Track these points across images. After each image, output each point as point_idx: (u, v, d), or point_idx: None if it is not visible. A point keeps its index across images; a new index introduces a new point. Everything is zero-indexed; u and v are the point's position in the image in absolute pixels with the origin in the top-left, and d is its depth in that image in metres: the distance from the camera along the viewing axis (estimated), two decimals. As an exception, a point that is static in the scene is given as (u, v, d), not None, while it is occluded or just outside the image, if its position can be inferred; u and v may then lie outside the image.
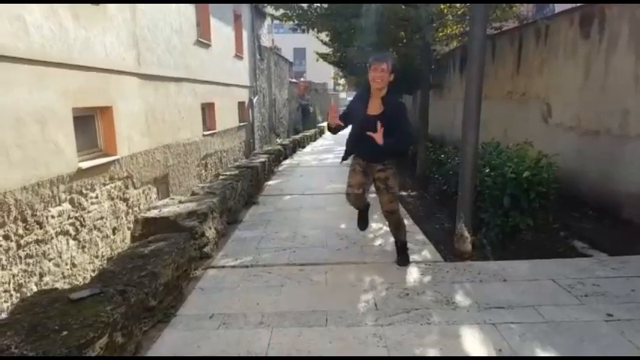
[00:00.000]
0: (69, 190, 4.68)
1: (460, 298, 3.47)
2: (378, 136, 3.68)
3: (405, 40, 8.25)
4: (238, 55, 12.65)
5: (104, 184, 5.37)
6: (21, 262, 3.97)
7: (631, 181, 4.94)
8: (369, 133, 3.71)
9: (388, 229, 5.34)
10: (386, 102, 3.89)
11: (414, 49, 8.41)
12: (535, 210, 4.47)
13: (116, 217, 5.63)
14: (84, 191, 4.94)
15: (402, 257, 4.29)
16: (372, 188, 4.24)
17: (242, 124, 12.93)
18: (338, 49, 12.34)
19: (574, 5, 6.28)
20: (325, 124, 29.00)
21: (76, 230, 4.79)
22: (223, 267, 4.38)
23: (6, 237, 3.79)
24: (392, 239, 4.96)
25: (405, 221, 5.67)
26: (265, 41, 17.47)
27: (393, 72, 3.89)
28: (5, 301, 3.77)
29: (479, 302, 3.39)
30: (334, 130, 4.13)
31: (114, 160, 5.60)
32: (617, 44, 5.17)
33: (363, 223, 4.58)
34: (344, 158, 4.30)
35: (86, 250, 4.95)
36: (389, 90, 3.94)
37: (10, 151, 3.87)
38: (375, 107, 3.92)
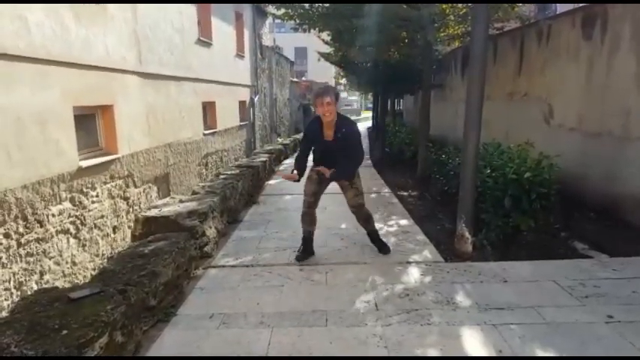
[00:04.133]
0: (69, 188, 4.68)
1: (460, 299, 3.47)
2: (327, 172, 4.19)
3: (406, 40, 8.26)
4: (240, 55, 12.64)
5: (105, 183, 5.36)
6: (21, 261, 3.97)
7: (632, 182, 4.93)
8: (319, 169, 4.29)
9: (388, 229, 5.38)
10: (338, 130, 4.19)
11: (416, 49, 8.42)
12: (536, 211, 4.47)
13: (117, 215, 5.63)
14: (84, 190, 4.94)
15: (383, 245, 4.61)
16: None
17: (243, 123, 12.92)
18: (340, 49, 12.36)
19: (576, 6, 6.28)
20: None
21: (77, 229, 4.78)
22: (224, 266, 4.38)
23: (6, 235, 3.79)
24: (393, 239, 4.98)
25: (405, 221, 5.72)
26: (267, 40, 17.45)
27: (338, 99, 4.19)
28: (5, 300, 3.77)
29: (479, 303, 3.38)
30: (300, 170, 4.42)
31: (115, 159, 5.60)
32: (619, 45, 5.17)
33: (305, 252, 4.55)
34: (300, 172, 4.40)
35: (86, 248, 4.95)
36: (340, 116, 4.24)
37: (11, 149, 3.86)
38: (329, 134, 4.25)
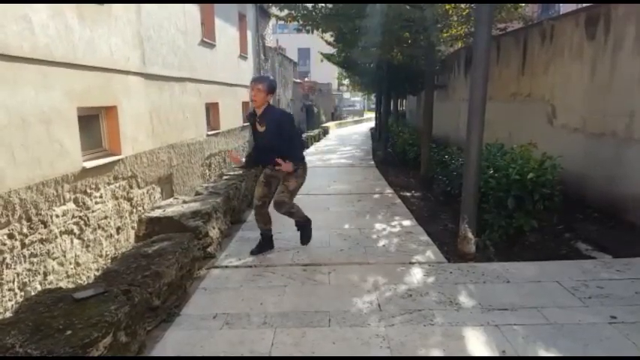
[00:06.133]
0: (73, 189, 4.70)
1: (463, 299, 3.47)
2: (286, 167, 4.24)
3: (409, 41, 8.24)
4: (243, 56, 12.67)
5: (108, 184, 5.38)
6: (25, 261, 3.99)
7: (636, 183, 4.92)
8: (278, 162, 4.23)
9: (391, 230, 5.40)
10: (265, 119, 4.29)
11: (419, 49, 8.41)
12: (539, 211, 4.46)
13: (120, 216, 5.65)
14: (88, 191, 4.96)
15: (303, 235, 4.75)
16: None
17: (246, 124, 12.93)
18: (342, 50, 12.38)
19: (580, 6, 6.27)
20: (329, 124, 29.06)
21: (81, 229, 4.80)
22: (227, 267, 4.38)
23: (10, 236, 3.81)
24: (396, 240, 4.99)
25: (408, 222, 5.72)
26: (270, 41, 17.47)
27: (271, 92, 4.31)
28: (9, 300, 3.79)
29: (482, 303, 3.38)
30: (248, 162, 4.73)
31: (118, 160, 5.62)
32: (623, 46, 5.15)
33: (260, 247, 4.75)
34: (247, 164, 4.79)
35: (90, 249, 4.97)
36: (269, 107, 4.35)
37: (15, 150, 3.88)
38: (260, 124, 4.35)
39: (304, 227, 4.75)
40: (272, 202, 4.54)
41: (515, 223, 4.48)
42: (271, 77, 4.62)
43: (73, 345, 2.23)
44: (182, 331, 3.16)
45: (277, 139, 4.27)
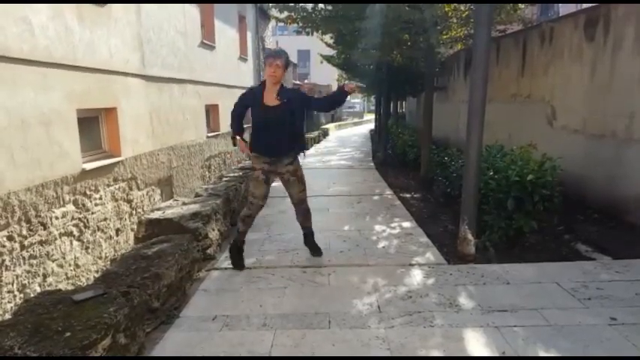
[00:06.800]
0: (73, 191, 4.70)
1: (463, 301, 3.46)
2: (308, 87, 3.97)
3: (409, 43, 8.26)
4: (242, 57, 12.68)
5: (108, 186, 5.38)
6: (24, 263, 3.98)
7: (636, 183, 4.92)
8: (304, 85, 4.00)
9: (391, 231, 5.37)
10: (282, 95, 4.03)
11: (418, 51, 8.42)
12: (539, 213, 4.45)
13: (120, 218, 5.65)
14: (88, 192, 4.96)
15: (316, 248, 4.55)
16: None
17: (246, 125, 12.95)
18: (342, 52, 12.40)
19: (579, 7, 6.27)
20: (328, 126, 29.02)
21: (80, 231, 4.80)
22: (226, 269, 4.37)
23: (10, 238, 3.80)
24: (395, 241, 4.97)
25: (408, 224, 5.71)
26: (269, 43, 17.49)
27: (287, 68, 4.12)
28: (9, 302, 3.78)
29: (482, 305, 3.37)
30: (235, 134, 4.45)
31: (118, 162, 5.62)
32: (622, 46, 5.16)
33: (239, 258, 4.35)
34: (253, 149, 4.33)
35: (90, 251, 4.97)
36: (282, 85, 4.13)
37: (15, 152, 3.88)
38: (271, 99, 4.04)
39: (311, 238, 4.59)
40: (296, 201, 4.43)
41: (515, 224, 4.48)
42: (286, 52, 4.30)
43: (72, 347, 2.22)
44: (182, 332, 3.16)
45: (290, 115, 4.04)
